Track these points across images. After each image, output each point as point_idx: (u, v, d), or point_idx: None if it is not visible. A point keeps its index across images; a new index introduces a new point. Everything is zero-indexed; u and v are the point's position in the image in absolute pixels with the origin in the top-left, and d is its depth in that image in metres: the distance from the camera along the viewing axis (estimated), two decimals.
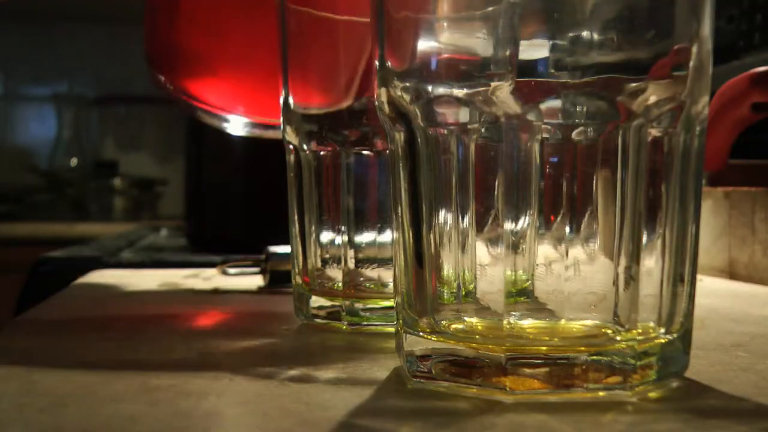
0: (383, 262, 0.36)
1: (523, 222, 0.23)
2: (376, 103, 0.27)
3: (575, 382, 0.23)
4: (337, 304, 0.35)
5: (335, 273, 0.36)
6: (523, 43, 0.23)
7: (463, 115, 0.24)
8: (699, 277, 0.40)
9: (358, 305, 0.35)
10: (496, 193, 0.24)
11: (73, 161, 2.49)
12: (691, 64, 0.24)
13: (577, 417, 0.22)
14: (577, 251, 0.24)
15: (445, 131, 0.25)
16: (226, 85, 0.46)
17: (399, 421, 0.22)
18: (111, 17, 2.29)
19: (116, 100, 2.58)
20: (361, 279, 0.36)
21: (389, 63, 0.26)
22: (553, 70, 0.23)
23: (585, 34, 0.23)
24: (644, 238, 0.24)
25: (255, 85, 0.45)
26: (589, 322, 0.24)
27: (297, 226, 0.37)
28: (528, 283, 0.24)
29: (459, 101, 0.24)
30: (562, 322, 0.24)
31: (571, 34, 0.23)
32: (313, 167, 0.37)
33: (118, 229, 1.54)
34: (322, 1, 0.36)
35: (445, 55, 0.25)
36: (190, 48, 0.46)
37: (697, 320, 0.32)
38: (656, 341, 0.24)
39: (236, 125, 0.47)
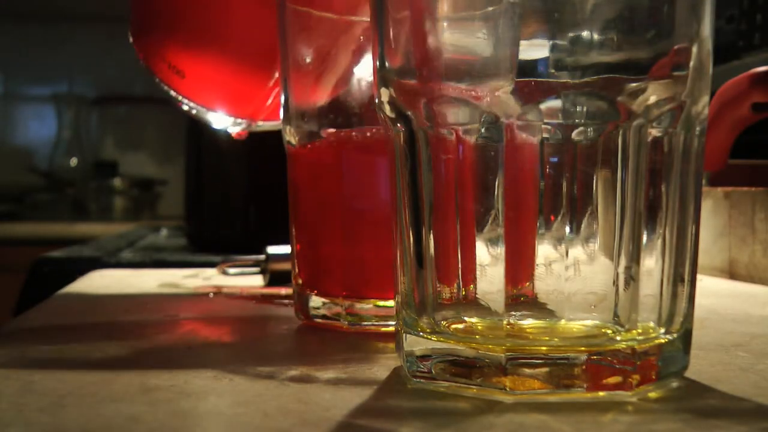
0: None
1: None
2: (377, 104, 0.27)
3: (575, 382, 0.23)
4: (337, 303, 0.35)
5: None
6: (523, 43, 0.23)
7: (463, 115, 0.24)
8: (699, 277, 0.40)
9: (358, 305, 0.35)
10: (496, 193, 0.24)
11: (73, 161, 2.49)
12: (691, 64, 0.24)
13: (577, 417, 0.22)
14: (577, 251, 0.24)
15: (445, 131, 0.25)
16: (208, 53, 0.45)
17: (399, 421, 0.22)
18: (111, 17, 2.29)
19: (116, 100, 2.58)
20: None
21: (389, 63, 0.26)
22: (553, 70, 0.23)
23: (585, 34, 0.23)
24: (644, 238, 0.24)
25: (237, 52, 0.44)
26: (589, 322, 0.24)
27: None
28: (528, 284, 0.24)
29: (459, 101, 0.24)
30: (562, 322, 0.24)
31: (571, 34, 0.23)
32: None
33: (118, 229, 1.54)
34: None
35: (446, 56, 0.25)
36: (173, 11, 0.45)
37: (697, 320, 0.32)
38: (656, 341, 0.24)
39: (219, 114, 0.46)
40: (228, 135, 0.47)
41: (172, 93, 0.45)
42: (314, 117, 0.36)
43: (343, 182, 0.35)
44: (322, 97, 0.36)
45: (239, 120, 0.46)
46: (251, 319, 0.40)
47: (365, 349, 0.31)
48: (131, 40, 0.46)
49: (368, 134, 0.35)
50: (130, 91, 2.56)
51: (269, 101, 0.44)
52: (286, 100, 0.37)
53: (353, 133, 0.35)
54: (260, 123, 0.46)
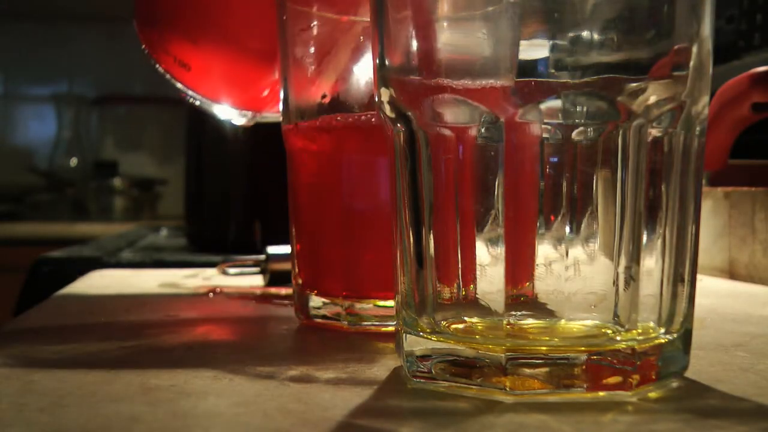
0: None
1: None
2: (376, 103, 0.27)
3: (575, 382, 0.23)
4: (337, 303, 0.35)
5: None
6: (523, 43, 0.23)
7: (463, 115, 0.24)
8: (699, 277, 0.40)
9: (358, 305, 0.35)
10: (496, 193, 0.24)
11: (73, 161, 2.49)
12: (691, 64, 0.24)
13: (577, 417, 0.22)
14: (577, 251, 0.24)
15: (445, 131, 0.25)
16: (211, 44, 0.45)
17: (399, 421, 0.22)
18: (111, 17, 2.29)
19: (116, 100, 2.58)
20: None
21: (389, 63, 0.26)
22: (553, 70, 0.23)
23: (585, 34, 0.23)
24: (644, 238, 0.24)
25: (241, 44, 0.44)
26: (589, 322, 0.24)
27: None
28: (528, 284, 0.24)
29: (459, 101, 0.24)
30: (562, 322, 0.24)
31: (571, 34, 0.23)
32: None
33: (118, 229, 1.53)
34: None
35: (445, 55, 0.25)
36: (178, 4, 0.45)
37: (697, 320, 0.32)
38: (656, 341, 0.24)
39: (224, 106, 0.46)
40: (233, 126, 0.47)
41: (178, 85, 0.45)
42: (314, 116, 0.36)
43: (343, 182, 0.35)
44: (321, 94, 0.36)
45: (245, 111, 0.46)
46: (251, 319, 0.40)
47: (365, 349, 0.31)
48: (136, 31, 0.46)
49: (363, 118, 0.35)
50: (130, 91, 2.56)
51: (274, 92, 0.44)
52: (286, 99, 0.37)
53: (354, 119, 0.35)
54: (265, 114, 0.46)
